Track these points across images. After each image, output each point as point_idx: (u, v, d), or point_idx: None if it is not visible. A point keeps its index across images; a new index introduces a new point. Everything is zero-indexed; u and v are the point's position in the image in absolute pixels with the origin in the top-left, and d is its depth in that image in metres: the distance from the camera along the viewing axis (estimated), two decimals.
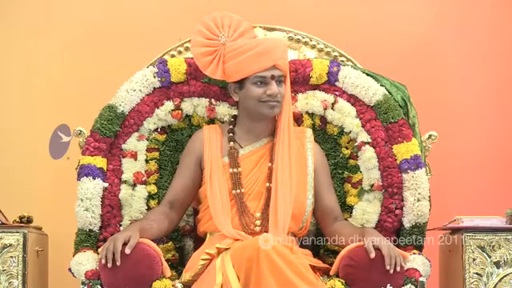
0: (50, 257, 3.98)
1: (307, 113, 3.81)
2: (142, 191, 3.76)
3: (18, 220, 3.76)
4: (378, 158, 3.74)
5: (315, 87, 3.81)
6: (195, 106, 3.81)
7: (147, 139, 3.80)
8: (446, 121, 4.49)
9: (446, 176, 4.35)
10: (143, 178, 3.77)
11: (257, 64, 3.58)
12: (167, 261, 3.56)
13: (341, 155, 3.84)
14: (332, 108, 3.79)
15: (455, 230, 3.68)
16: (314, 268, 3.44)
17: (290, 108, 3.68)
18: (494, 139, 4.55)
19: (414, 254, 3.56)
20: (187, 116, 3.83)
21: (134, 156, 3.76)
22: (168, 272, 3.45)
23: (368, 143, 3.75)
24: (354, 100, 3.78)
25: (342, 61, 3.89)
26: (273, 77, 3.59)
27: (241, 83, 3.62)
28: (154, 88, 3.78)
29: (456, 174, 4.50)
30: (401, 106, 3.77)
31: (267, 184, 3.60)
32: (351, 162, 3.82)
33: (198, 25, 3.70)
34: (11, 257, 3.60)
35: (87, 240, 3.66)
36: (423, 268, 3.47)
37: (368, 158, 3.74)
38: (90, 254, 3.55)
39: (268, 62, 3.58)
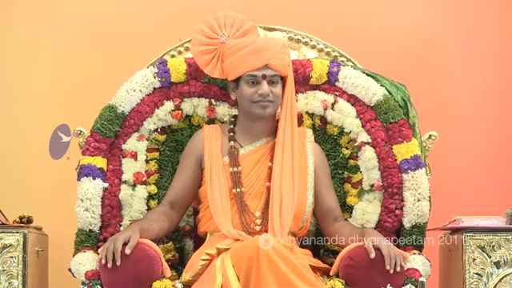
0: (50, 257, 3.98)
1: (307, 113, 3.81)
2: (142, 191, 3.76)
3: (18, 220, 3.75)
4: (378, 158, 3.74)
5: (315, 87, 3.81)
6: (195, 106, 3.81)
7: (147, 139, 3.80)
8: (446, 121, 4.49)
9: (446, 176, 4.35)
10: (143, 178, 3.77)
11: (249, 63, 3.56)
12: (167, 261, 3.55)
13: (341, 155, 3.84)
14: (332, 108, 3.79)
15: (455, 230, 3.68)
16: (314, 268, 3.43)
17: (293, 108, 3.66)
18: (493, 139, 4.54)
19: (414, 254, 3.56)
20: (187, 116, 3.82)
21: (134, 156, 3.76)
22: (168, 272, 3.45)
23: (368, 143, 3.75)
24: (354, 100, 3.78)
25: (342, 61, 3.89)
26: (264, 76, 3.57)
27: (237, 82, 3.62)
28: (154, 88, 3.78)
29: (456, 174, 4.50)
30: (401, 106, 3.77)
31: (267, 183, 3.59)
32: (351, 162, 3.82)
33: (201, 24, 3.70)
34: (11, 257, 3.59)
35: (87, 240, 3.66)
36: (423, 268, 3.47)
37: (368, 158, 3.74)
38: (90, 254, 3.55)
39: (259, 61, 3.56)
